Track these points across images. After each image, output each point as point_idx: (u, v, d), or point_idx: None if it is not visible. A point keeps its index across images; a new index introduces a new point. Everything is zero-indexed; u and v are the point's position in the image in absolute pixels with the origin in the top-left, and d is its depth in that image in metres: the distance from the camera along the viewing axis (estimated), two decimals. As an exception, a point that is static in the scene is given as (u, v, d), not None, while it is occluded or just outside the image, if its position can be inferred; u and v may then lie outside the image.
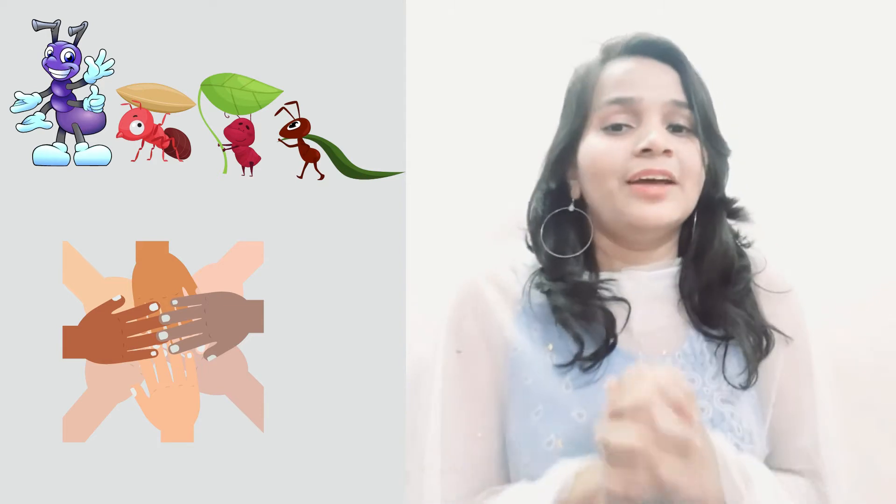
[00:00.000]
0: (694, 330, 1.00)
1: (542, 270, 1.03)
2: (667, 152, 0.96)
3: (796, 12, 1.41)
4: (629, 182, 0.97)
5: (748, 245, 1.05)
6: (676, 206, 0.97)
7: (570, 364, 0.96)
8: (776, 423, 1.00)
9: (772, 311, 1.02)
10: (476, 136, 1.44)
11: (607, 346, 0.97)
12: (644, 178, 0.96)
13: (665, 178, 0.96)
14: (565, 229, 1.04)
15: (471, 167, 1.44)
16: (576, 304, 0.98)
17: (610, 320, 0.97)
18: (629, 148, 0.97)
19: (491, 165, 1.43)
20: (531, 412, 0.95)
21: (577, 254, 1.01)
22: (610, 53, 1.03)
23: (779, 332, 1.01)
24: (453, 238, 1.31)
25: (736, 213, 1.05)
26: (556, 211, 1.03)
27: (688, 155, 0.98)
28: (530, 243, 1.06)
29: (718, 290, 1.01)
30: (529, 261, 1.05)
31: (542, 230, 1.04)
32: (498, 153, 1.43)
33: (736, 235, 1.05)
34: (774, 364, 0.99)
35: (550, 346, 0.98)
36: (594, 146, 0.99)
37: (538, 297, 1.01)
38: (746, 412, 0.97)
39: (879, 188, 1.43)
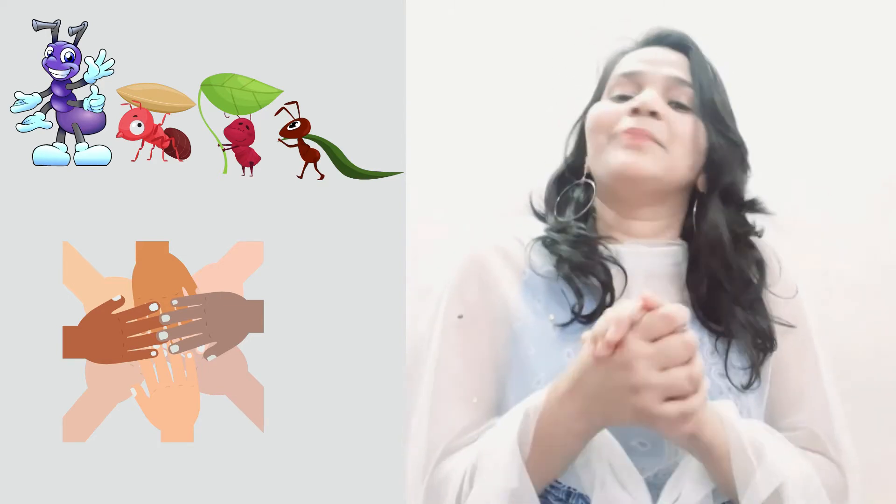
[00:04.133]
0: (691, 311, 1.01)
1: (547, 230, 1.05)
2: (654, 114, 1.01)
3: (813, 12, 1.43)
4: (615, 136, 1.02)
5: (759, 234, 1.06)
6: (656, 161, 1.01)
7: (571, 322, 0.97)
8: (775, 402, 1.01)
9: (774, 305, 1.03)
10: (476, 135, 1.44)
11: (604, 302, 0.99)
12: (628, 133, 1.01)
13: (650, 138, 1.00)
14: (572, 197, 1.09)
15: (471, 167, 1.44)
16: (577, 255, 1.00)
17: (608, 276, 0.99)
18: (625, 109, 1.03)
19: (491, 165, 1.43)
20: (532, 381, 0.96)
21: (581, 213, 1.06)
22: (634, 46, 1.11)
23: (781, 323, 1.02)
24: (453, 238, 1.31)
25: (749, 206, 1.08)
26: (572, 184, 1.09)
27: (680, 123, 1.02)
28: (538, 210, 1.11)
29: (726, 291, 1.01)
30: (535, 233, 1.06)
31: (554, 199, 1.09)
32: (498, 153, 1.43)
33: (743, 223, 1.06)
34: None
35: (552, 317, 0.99)
36: (597, 108, 1.07)
37: (542, 263, 1.02)
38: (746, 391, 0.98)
39: (879, 177, 1.44)
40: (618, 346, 0.82)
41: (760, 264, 1.05)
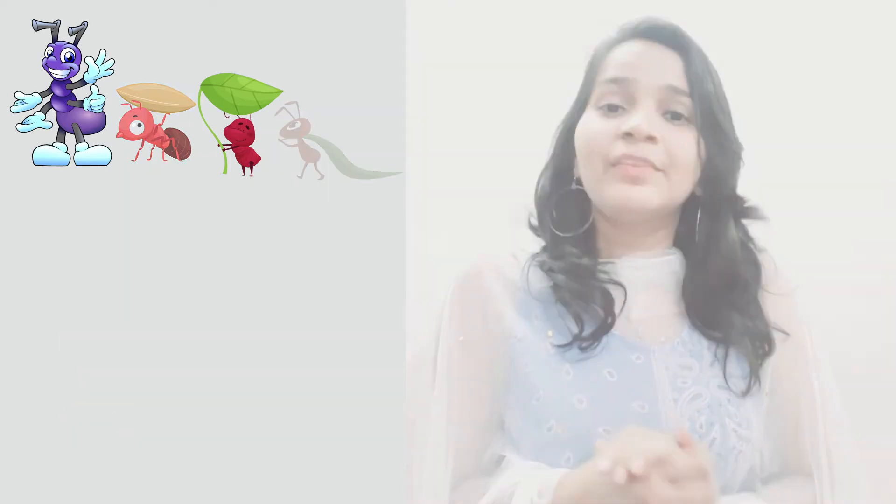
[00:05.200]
0: (689, 319, 1.00)
1: (543, 249, 1.03)
2: (650, 139, 0.95)
3: (815, 12, 1.43)
4: (613, 165, 0.96)
5: (761, 250, 1.04)
6: (658, 192, 0.96)
7: (570, 344, 0.96)
8: (773, 414, 1.00)
9: (771, 308, 1.02)
10: (476, 135, 1.44)
11: (605, 325, 0.97)
12: (625, 162, 0.96)
13: (648, 165, 0.96)
14: (568, 208, 1.04)
15: (471, 166, 1.44)
16: (574, 283, 0.98)
17: (608, 300, 0.98)
18: (617, 129, 0.96)
19: (491, 164, 1.43)
20: (532, 398, 0.95)
21: (579, 231, 1.02)
22: (622, 35, 1.03)
23: (779, 329, 1.01)
24: (453, 238, 1.31)
25: (748, 213, 1.03)
26: (562, 192, 1.04)
27: (679, 144, 0.96)
28: (534, 222, 1.06)
29: (723, 296, 1.00)
30: (530, 247, 1.05)
31: (547, 209, 1.04)
32: (498, 152, 1.43)
33: (749, 240, 1.04)
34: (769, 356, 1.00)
35: (550, 333, 0.98)
36: (587, 125, 1.00)
37: (538, 282, 1.01)
38: (744, 399, 0.97)
39: (879, 177, 1.44)
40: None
41: (756, 265, 1.04)
